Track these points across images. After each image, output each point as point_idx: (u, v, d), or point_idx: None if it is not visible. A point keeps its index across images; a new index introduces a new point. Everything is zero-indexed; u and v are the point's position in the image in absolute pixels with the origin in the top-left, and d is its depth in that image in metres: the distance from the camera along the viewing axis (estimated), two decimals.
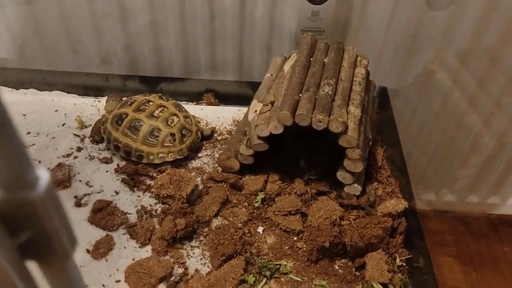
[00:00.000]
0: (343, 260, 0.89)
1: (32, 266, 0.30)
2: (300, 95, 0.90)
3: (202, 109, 1.19)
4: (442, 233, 1.65)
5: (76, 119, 1.13)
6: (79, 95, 1.23)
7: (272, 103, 0.94)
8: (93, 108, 1.17)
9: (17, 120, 1.12)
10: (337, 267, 0.88)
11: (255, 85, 1.15)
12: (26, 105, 1.16)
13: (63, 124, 1.12)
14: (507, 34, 1.21)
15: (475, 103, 1.39)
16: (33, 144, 1.06)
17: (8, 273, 0.27)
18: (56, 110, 1.16)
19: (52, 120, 1.13)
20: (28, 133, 1.09)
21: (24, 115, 1.13)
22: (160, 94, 1.10)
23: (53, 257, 0.30)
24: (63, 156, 1.04)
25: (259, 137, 0.93)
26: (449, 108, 1.40)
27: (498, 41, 1.24)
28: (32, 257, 0.29)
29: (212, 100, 1.22)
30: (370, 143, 0.99)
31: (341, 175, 0.93)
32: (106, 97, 1.14)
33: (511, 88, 1.32)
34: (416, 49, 1.28)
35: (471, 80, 1.34)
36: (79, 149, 1.06)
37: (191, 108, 1.15)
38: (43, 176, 0.26)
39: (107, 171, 1.02)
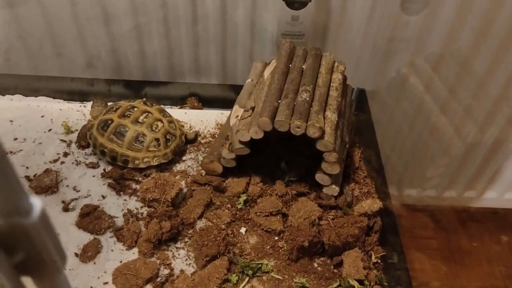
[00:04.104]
0: (322, 258, 0.94)
1: (27, 281, 0.34)
2: (279, 101, 0.94)
3: (186, 113, 1.22)
4: (413, 230, 1.72)
5: (62, 125, 1.15)
6: (64, 100, 1.25)
7: (253, 108, 0.98)
8: (79, 113, 1.20)
9: (4, 126, 1.14)
10: (316, 265, 0.93)
11: (237, 88, 1.18)
12: (12, 111, 1.18)
13: (50, 130, 1.14)
14: (477, 40, 1.27)
15: (447, 106, 1.45)
16: (20, 150, 1.08)
17: None
18: (42, 116, 1.18)
19: (38, 126, 1.15)
20: (15, 139, 1.11)
21: (11, 121, 1.16)
22: (144, 99, 1.13)
23: (45, 273, 0.33)
24: (50, 162, 1.06)
25: (241, 142, 0.96)
26: (423, 110, 1.46)
27: (469, 46, 1.29)
28: (27, 274, 0.33)
29: (196, 104, 1.25)
30: (347, 145, 1.03)
31: (319, 177, 0.97)
32: (92, 102, 1.17)
33: (480, 91, 1.38)
34: (392, 52, 1.33)
35: (443, 83, 1.39)
36: (65, 154, 1.09)
37: (175, 112, 1.18)
38: (37, 204, 0.29)
39: (93, 176, 1.04)
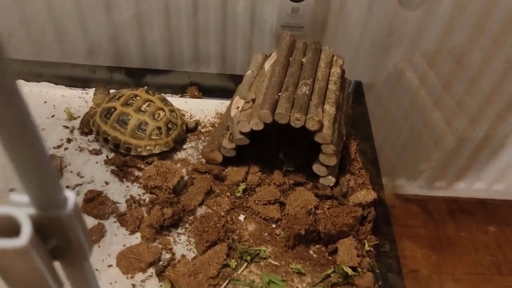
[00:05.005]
0: (317, 246, 0.98)
1: (57, 266, 0.37)
2: (280, 94, 0.97)
3: (186, 102, 1.25)
4: (405, 219, 1.78)
5: (65, 111, 1.17)
6: (66, 86, 1.26)
7: (253, 100, 1.01)
8: (81, 100, 1.22)
9: None
10: (311, 252, 0.97)
11: (237, 78, 1.21)
12: None
13: (53, 116, 1.16)
14: (472, 37, 1.30)
15: (440, 100, 1.48)
16: None
17: (42, 271, 0.33)
18: (45, 102, 1.20)
19: (41, 112, 1.17)
20: None
21: None
22: (146, 88, 1.15)
23: (74, 259, 0.36)
24: (54, 148, 1.09)
25: (241, 133, 0.99)
26: (417, 104, 1.49)
27: (464, 43, 1.33)
28: (58, 259, 0.36)
29: (196, 93, 1.28)
30: (344, 138, 1.06)
31: (316, 167, 1.00)
32: (94, 89, 1.19)
33: (473, 87, 1.42)
34: (389, 46, 1.36)
35: (438, 78, 1.43)
36: (69, 140, 1.11)
37: (176, 101, 1.21)
38: (71, 197, 0.32)
39: (97, 162, 1.07)
